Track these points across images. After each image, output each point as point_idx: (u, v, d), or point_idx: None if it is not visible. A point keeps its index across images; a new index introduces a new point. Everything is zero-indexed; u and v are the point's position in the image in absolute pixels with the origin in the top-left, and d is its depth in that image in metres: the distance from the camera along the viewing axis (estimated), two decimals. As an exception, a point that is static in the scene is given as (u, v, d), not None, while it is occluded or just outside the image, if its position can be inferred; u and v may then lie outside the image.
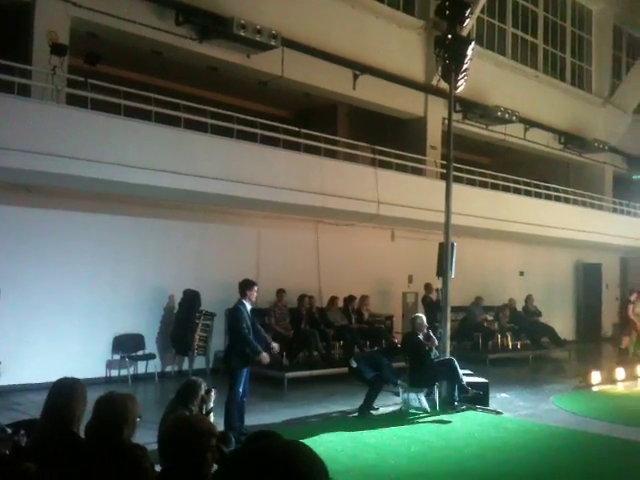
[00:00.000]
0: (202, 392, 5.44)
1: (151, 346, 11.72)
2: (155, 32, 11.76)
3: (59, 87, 10.02)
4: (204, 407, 5.45)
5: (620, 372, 12.60)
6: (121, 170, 9.84)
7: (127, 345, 11.34)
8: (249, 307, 7.98)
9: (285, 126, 12.86)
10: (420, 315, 10.45)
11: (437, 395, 9.66)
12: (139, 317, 11.52)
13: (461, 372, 9.65)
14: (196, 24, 12.18)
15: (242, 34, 12.01)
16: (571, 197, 19.29)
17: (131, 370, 11.34)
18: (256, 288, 8.04)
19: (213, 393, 5.63)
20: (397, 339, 13.99)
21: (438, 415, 9.22)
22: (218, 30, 12.16)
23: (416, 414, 9.28)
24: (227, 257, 12.68)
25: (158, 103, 10.96)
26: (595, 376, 12.12)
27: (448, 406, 9.54)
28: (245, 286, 7.99)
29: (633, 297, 15.33)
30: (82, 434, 3.58)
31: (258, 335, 8.08)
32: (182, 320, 11.76)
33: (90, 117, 9.81)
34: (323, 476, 1.51)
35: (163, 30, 11.84)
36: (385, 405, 9.86)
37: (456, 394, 9.59)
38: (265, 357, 7.87)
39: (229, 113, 11.96)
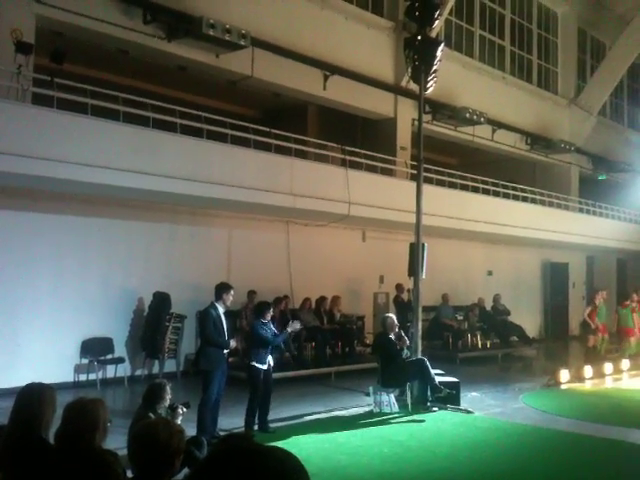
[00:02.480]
0: (168, 394, 5.36)
1: (120, 350, 11.54)
2: (122, 31, 11.59)
3: (24, 86, 9.81)
4: (170, 414, 5.35)
5: (588, 370, 12.80)
6: (88, 170, 9.67)
7: (95, 349, 11.14)
8: (222, 310, 7.91)
9: (255, 126, 12.79)
10: (390, 315, 10.47)
11: (409, 395, 9.69)
12: (107, 320, 11.34)
13: (433, 372, 9.69)
14: (164, 23, 12.04)
15: (211, 33, 11.91)
16: (538, 197, 19.56)
17: (100, 374, 11.16)
18: (232, 292, 8.00)
19: (180, 410, 5.48)
20: (368, 339, 14.10)
21: (410, 415, 9.25)
22: (187, 29, 12.04)
23: (388, 414, 9.29)
24: (197, 258, 12.56)
25: (126, 102, 10.81)
26: (563, 374, 12.29)
27: (420, 406, 9.58)
28: (221, 289, 7.95)
29: (598, 300, 15.47)
30: (52, 440, 3.49)
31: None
32: (152, 323, 11.61)
33: (56, 117, 9.62)
34: (302, 476, 1.47)
35: (130, 29, 11.68)
36: (357, 406, 9.87)
37: (428, 394, 9.62)
38: (232, 344, 7.91)
39: (198, 113, 11.85)
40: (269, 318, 8.40)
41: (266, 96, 15.59)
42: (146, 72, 13.95)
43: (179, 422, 5.33)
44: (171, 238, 12.32)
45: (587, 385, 12.40)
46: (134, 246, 11.84)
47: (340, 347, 13.64)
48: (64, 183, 9.73)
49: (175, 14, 12.00)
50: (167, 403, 5.39)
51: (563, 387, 12.05)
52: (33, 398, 3.58)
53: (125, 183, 10.17)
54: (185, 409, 5.58)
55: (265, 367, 8.18)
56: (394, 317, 10.27)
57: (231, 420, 8.09)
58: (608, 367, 13.36)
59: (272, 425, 8.32)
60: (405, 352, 9.99)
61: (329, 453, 7.32)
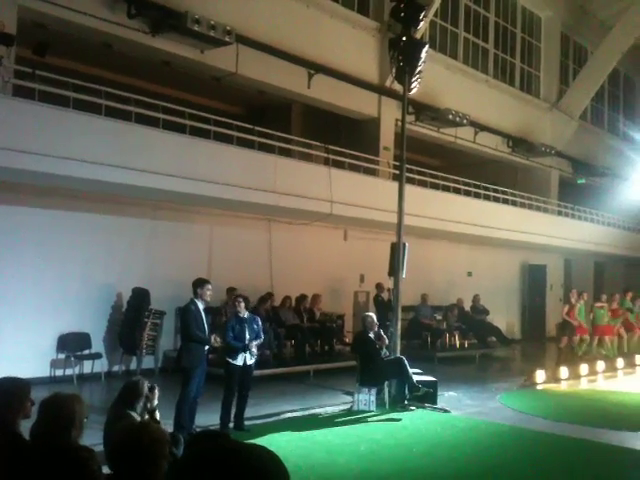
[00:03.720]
0: (145, 391, 5.33)
1: (98, 345, 11.48)
2: (106, 24, 11.49)
3: (6, 78, 9.71)
4: (148, 405, 5.34)
5: (564, 371, 12.96)
6: (69, 164, 9.59)
7: (73, 344, 11.08)
8: (202, 306, 7.89)
9: (239, 123, 12.77)
10: (370, 314, 10.53)
11: (387, 394, 9.75)
12: (85, 315, 11.27)
13: (411, 371, 9.76)
14: (149, 17, 11.96)
15: (196, 29, 11.86)
16: (518, 200, 19.73)
17: (77, 370, 11.09)
18: (209, 287, 7.95)
19: (156, 390, 5.50)
20: (348, 338, 14.14)
21: (388, 414, 9.31)
22: (171, 24, 11.97)
23: (366, 413, 9.34)
24: (178, 254, 12.52)
25: (108, 96, 10.74)
26: (540, 375, 12.43)
27: (398, 405, 9.64)
28: (196, 285, 7.91)
29: (574, 299, 15.71)
30: (27, 436, 3.47)
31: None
32: (130, 319, 11.56)
33: (38, 109, 9.53)
34: (282, 476, 1.49)
35: (115, 22, 11.59)
36: (335, 404, 9.91)
37: (406, 393, 9.68)
38: (213, 340, 7.83)
39: (181, 108, 11.80)
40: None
41: (250, 93, 15.56)
42: (130, 66, 13.85)
43: (156, 402, 5.35)
44: (152, 234, 12.27)
45: (563, 386, 12.55)
46: (114, 241, 11.78)
47: (320, 345, 13.67)
48: (45, 177, 9.64)
49: (160, 9, 11.93)
50: (144, 401, 5.36)
51: (539, 387, 12.19)
52: (6, 392, 3.54)
53: (106, 178, 10.10)
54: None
55: (239, 363, 8.10)
56: (374, 316, 10.33)
57: (208, 417, 8.08)
58: (583, 368, 13.53)
59: (250, 423, 8.32)
60: (384, 351, 10.06)
61: (306, 451, 7.34)
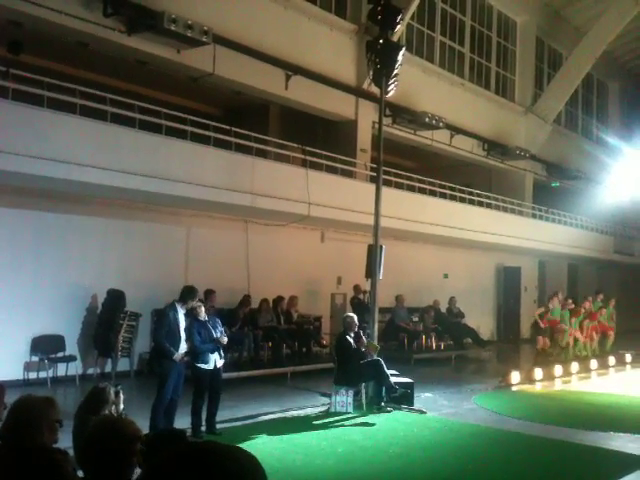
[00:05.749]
0: (112, 397, 5.25)
1: (72, 347, 11.33)
2: (82, 23, 11.34)
3: (-22, 76, 9.56)
4: (114, 411, 5.26)
5: (538, 372, 13.10)
6: (42, 164, 9.46)
7: (46, 346, 10.92)
8: (182, 312, 7.83)
9: (216, 124, 12.71)
10: (351, 314, 10.51)
11: (364, 395, 9.77)
12: (59, 317, 11.12)
13: (388, 372, 9.78)
14: (125, 16, 11.83)
15: (172, 28, 11.76)
16: (493, 202, 19.93)
17: (50, 372, 10.93)
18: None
19: (122, 394, 5.41)
20: (325, 340, 14.14)
21: (365, 415, 9.32)
22: (148, 23, 11.86)
23: (343, 414, 9.34)
24: (154, 256, 12.42)
25: (84, 96, 10.62)
26: (514, 376, 12.55)
27: (375, 406, 9.65)
28: (188, 294, 7.90)
29: (553, 304, 15.94)
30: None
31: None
32: (105, 321, 11.42)
33: (12, 108, 9.39)
34: (259, 474, 1.47)
35: (90, 21, 11.45)
36: (313, 406, 9.90)
37: (383, 394, 9.70)
38: (177, 357, 7.70)
39: (158, 108, 11.71)
40: (203, 316, 8.07)
41: (227, 94, 15.51)
42: (106, 66, 13.71)
43: (122, 406, 5.27)
44: (127, 235, 12.15)
45: (537, 387, 12.69)
46: (88, 242, 11.64)
47: (297, 347, 13.65)
48: (17, 176, 9.50)
49: (136, 8, 11.80)
50: (110, 407, 5.26)
51: (514, 389, 12.30)
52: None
53: (81, 178, 9.99)
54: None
55: (210, 367, 8.01)
56: (354, 317, 10.29)
57: (185, 420, 8.01)
58: (558, 369, 13.69)
59: (226, 425, 8.28)
60: (370, 354, 10.03)
61: (283, 453, 7.32)
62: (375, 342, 10.45)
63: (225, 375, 8.74)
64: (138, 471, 3.79)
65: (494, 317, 21.83)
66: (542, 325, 15.58)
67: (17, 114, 9.42)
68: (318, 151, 14.56)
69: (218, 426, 8.13)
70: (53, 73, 11.37)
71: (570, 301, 16.98)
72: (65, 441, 4.25)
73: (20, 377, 10.62)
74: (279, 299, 13.54)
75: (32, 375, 10.84)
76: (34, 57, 12.48)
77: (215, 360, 8.06)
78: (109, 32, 11.74)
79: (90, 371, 11.69)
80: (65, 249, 11.33)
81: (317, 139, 16.49)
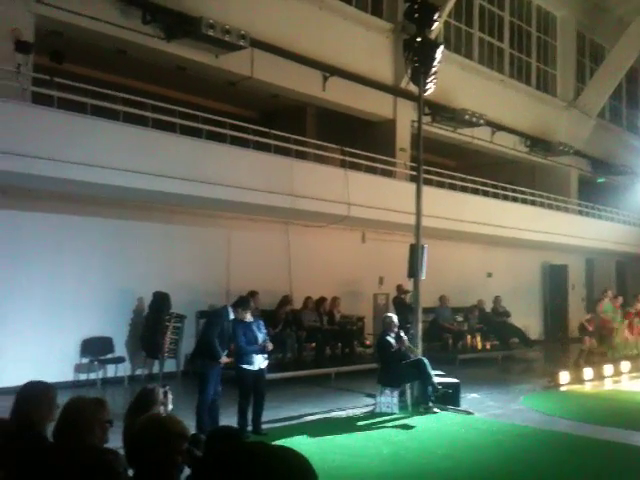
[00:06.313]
0: (161, 397, 5.29)
1: (120, 349, 11.52)
2: (121, 30, 11.56)
3: (24, 86, 9.79)
4: (163, 411, 5.30)
5: (588, 372, 12.78)
6: (87, 170, 9.65)
7: (96, 348, 11.12)
8: (232, 316, 7.93)
9: (254, 127, 12.78)
10: (390, 315, 10.42)
11: (409, 396, 9.67)
12: (107, 320, 11.30)
13: (432, 372, 9.65)
14: (163, 23, 12.01)
15: (210, 34, 11.89)
16: (537, 199, 19.57)
17: (100, 374, 11.14)
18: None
19: (170, 394, 5.46)
20: (368, 340, 14.08)
21: (410, 416, 9.22)
22: (186, 29, 12.02)
23: (388, 415, 9.26)
24: (197, 259, 12.54)
25: (125, 102, 10.79)
26: (563, 376, 12.27)
27: (420, 407, 9.54)
28: (240, 304, 8.00)
29: (600, 307, 15.61)
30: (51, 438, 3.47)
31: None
32: (152, 323, 11.57)
33: (56, 116, 9.60)
34: (309, 474, 1.45)
35: (129, 29, 11.65)
36: (357, 407, 9.84)
37: (429, 394, 9.57)
38: (223, 359, 7.82)
39: (198, 113, 11.83)
40: (249, 318, 8.11)
41: (264, 97, 15.59)
42: (145, 72, 13.93)
43: (171, 407, 5.32)
44: (171, 238, 12.29)
45: (587, 387, 12.38)
46: (133, 246, 11.81)
47: (340, 348, 13.62)
48: (62, 183, 9.70)
49: (174, 14, 11.98)
50: (159, 407, 5.31)
51: (563, 389, 12.02)
52: (32, 396, 3.55)
53: (125, 183, 10.15)
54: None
55: (254, 368, 8.04)
56: (394, 317, 10.21)
57: (232, 420, 8.03)
58: (608, 369, 13.35)
59: (270, 426, 8.28)
60: (410, 354, 9.92)
61: (327, 454, 7.27)
62: (412, 344, 10.30)
63: (269, 376, 8.77)
64: (187, 471, 3.81)
65: (541, 316, 21.42)
66: (590, 329, 15.23)
67: (62, 122, 9.62)
68: (357, 151, 14.51)
69: (263, 426, 8.15)
70: (94, 81, 11.58)
71: (621, 299, 16.58)
72: (115, 441, 4.30)
73: (70, 379, 10.80)
74: (321, 300, 13.53)
75: (82, 376, 11.04)
76: (76, 65, 12.74)
77: (259, 361, 8.09)
78: (148, 39, 11.93)
79: (138, 372, 11.86)
80: (111, 253, 11.51)
81: (355, 139, 16.42)
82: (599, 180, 24.15)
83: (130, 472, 3.14)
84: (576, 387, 12.18)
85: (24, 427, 3.43)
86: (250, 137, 12.38)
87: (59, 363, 10.52)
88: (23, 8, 10.41)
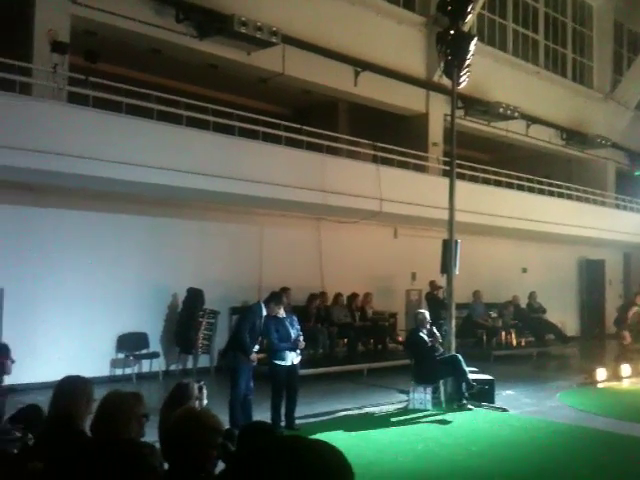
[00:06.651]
0: (196, 392, 5.34)
1: (155, 345, 11.68)
2: (155, 29, 11.70)
3: (60, 85, 9.97)
4: (200, 406, 5.36)
5: (625, 369, 12.55)
6: (122, 168, 9.78)
7: (131, 344, 11.31)
8: (264, 312, 7.99)
9: (286, 123, 12.80)
10: (422, 311, 10.38)
11: (443, 392, 9.61)
12: (142, 316, 11.47)
13: (467, 368, 9.58)
14: (196, 21, 12.11)
15: (243, 31, 11.95)
16: (574, 193, 19.23)
17: (135, 369, 11.33)
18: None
19: (205, 389, 5.51)
20: (401, 337, 14.01)
21: (444, 413, 9.16)
22: (218, 27, 12.09)
23: (422, 411, 9.22)
24: (230, 255, 12.63)
25: (159, 101, 10.91)
26: (600, 373, 12.07)
27: (454, 403, 9.48)
28: (272, 299, 8.07)
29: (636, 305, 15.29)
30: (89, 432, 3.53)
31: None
32: (185, 318, 11.71)
33: (92, 115, 9.76)
34: (346, 470, 1.44)
35: (163, 27, 11.79)
36: (390, 403, 9.82)
37: (463, 390, 9.50)
38: (253, 357, 7.89)
39: (230, 110, 11.90)
40: (282, 314, 8.16)
41: (296, 94, 15.60)
42: (178, 70, 14.06)
43: (206, 401, 5.37)
44: (205, 235, 12.40)
45: (625, 384, 12.15)
46: (168, 243, 11.95)
47: (372, 344, 13.59)
48: (98, 180, 9.85)
49: (207, 12, 12.07)
50: (194, 402, 5.37)
51: (600, 386, 11.83)
52: (69, 390, 3.61)
53: (159, 180, 10.27)
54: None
55: (287, 363, 8.07)
56: (426, 313, 10.16)
57: (265, 415, 8.08)
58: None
59: (303, 421, 8.30)
60: (440, 350, 9.88)
61: (360, 450, 7.26)
62: (444, 341, 10.22)
63: (301, 372, 8.80)
64: (221, 465, 3.85)
65: (577, 312, 21.06)
66: (627, 321, 14.93)
67: (97, 121, 9.77)
68: (389, 146, 14.44)
69: (296, 422, 8.18)
70: (128, 79, 11.73)
71: None
72: (151, 435, 4.37)
73: (107, 374, 11.01)
74: (353, 296, 13.52)
75: (118, 371, 11.24)
76: (110, 65, 12.92)
77: (292, 357, 8.12)
78: (181, 37, 12.05)
79: (172, 367, 12.01)
80: (145, 250, 11.66)
81: (387, 134, 16.33)
82: (637, 173, 23.59)
83: (166, 466, 3.19)
84: (613, 384, 11.97)
85: (61, 421, 3.50)
86: (282, 133, 12.41)
87: (95, 358, 10.71)
88: (59, 9, 10.59)
